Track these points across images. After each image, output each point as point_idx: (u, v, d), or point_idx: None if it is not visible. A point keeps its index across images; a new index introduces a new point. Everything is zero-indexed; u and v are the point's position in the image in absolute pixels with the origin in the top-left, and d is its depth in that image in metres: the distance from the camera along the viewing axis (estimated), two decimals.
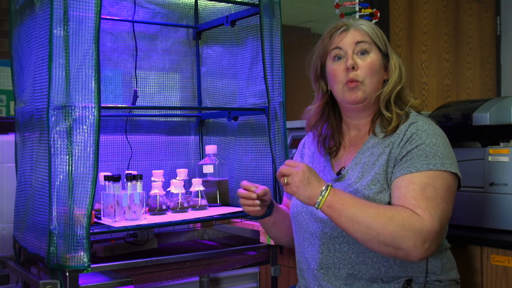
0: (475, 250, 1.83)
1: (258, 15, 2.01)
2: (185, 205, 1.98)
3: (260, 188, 1.62)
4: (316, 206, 1.42)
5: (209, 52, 2.43)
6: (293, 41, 3.44)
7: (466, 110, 2.02)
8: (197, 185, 2.04)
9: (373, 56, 1.57)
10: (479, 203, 1.93)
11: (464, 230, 1.93)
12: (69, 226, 1.56)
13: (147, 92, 2.32)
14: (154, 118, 2.35)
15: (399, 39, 3.58)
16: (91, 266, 1.58)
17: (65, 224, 1.56)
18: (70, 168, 1.57)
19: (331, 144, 1.66)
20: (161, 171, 2.02)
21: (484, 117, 1.95)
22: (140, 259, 1.74)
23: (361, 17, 2.55)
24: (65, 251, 1.56)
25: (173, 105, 2.41)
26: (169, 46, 2.39)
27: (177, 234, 2.30)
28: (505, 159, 1.88)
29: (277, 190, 2.04)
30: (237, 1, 2.13)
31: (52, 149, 1.58)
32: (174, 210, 1.96)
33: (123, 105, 2.26)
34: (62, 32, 1.58)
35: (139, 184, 1.79)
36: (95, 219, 1.78)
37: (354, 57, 1.56)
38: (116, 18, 2.22)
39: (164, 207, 1.95)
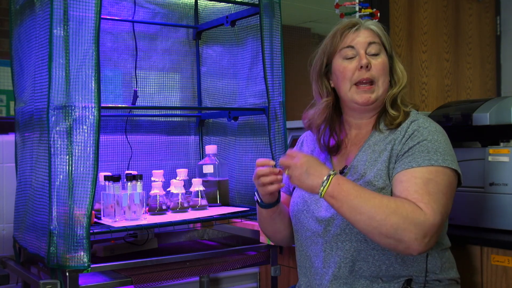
0: (475, 250, 1.83)
1: (258, 15, 2.01)
2: (185, 205, 1.98)
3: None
4: (319, 196, 1.43)
5: (209, 52, 2.43)
6: (293, 41, 3.43)
7: (466, 110, 2.02)
8: (197, 185, 2.04)
9: (383, 57, 1.59)
10: (479, 203, 1.94)
11: (464, 230, 1.93)
12: (69, 226, 1.56)
13: (147, 92, 2.32)
14: (154, 118, 2.35)
15: (399, 39, 3.58)
16: (91, 266, 1.58)
17: (65, 224, 1.56)
18: (70, 168, 1.57)
19: (331, 142, 1.66)
20: (161, 171, 2.02)
21: (484, 117, 1.95)
22: (140, 259, 1.74)
23: (361, 17, 2.55)
24: (65, 251, 1.56)
25: (173, 105, 2.41)
26: (169, 46, 2.39)
27: (177, 234, 2.30)
28: (505, 159, 1.88)
29: None
30: (237, 1, 2.13)
31: (52, 149, 1.58)
32: (174, 210, 1.96)
33: (123, 105, 2.26)
34: (62, 32, 1.58)
35: (139, 184, 1.79)
36: (95, 219, 1.78)
37: (367, 57, 1.57)
38: (116, 18, 2.22)
39: (164, 207, 1.95)
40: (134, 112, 2.28)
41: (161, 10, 2.36)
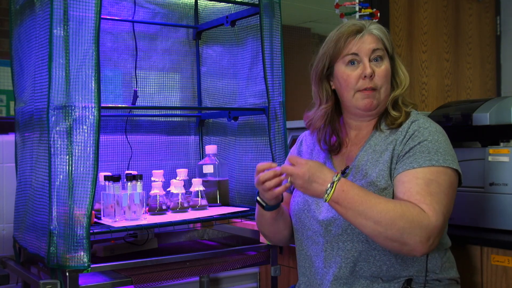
0: (475, 250, 1.83)
1: (258, 15, 2.01)
2: (185, 205, 1.98)
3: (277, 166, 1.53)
4: (323, 201, 1.43)
5: (209, 52, 2.43)
6: (293, 41, 3.43)
7: (466, 110, 2.02)
8: (197, 185, 2.04)
9: (386, 63, 1.58)
10: (479, 203, 1.94)
11: (464, 230, 1.93)
12: (69, 226, 1.56)
13: (147, 92, 2.32)
14: (154, 118, 2.35)
15: (399, 39, 3.58)
16: (91, 266, 1.58)
17: (65, 224, 1.56)
18: (70, 168, 1.57)
19: (332, 141, 1.66)
20: (161, 171, 2.02)
21: (484, 117, 1.95)
22: (140, 259, 1.74)
23: (361, 17, 2.55)
24: (65, 251, 1.56)
25: (173, 105, 2.41)
26: (169, 46, 2.39)
27: (177, 234, 2.30)
28: (505, 159, 1.88)
29: None
30: (237, 1, 2.13)
31: (52, 149, 1.58)
32: (174, 210, 1.96)
33: (123, 105, 2.26)
34: (62, 32, 1.58)
35: (139, 184, 1.79)
36: (95, 219, 1.78)
37: (371, 65, 1.56)
38: (116, 18, 2.22)
39: (164, 207, 1.95)
40: (134, 112, 2.28)
41: (161, 10, 2.36)
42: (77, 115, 1.58)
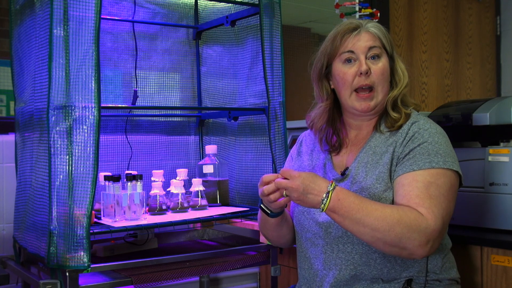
0: (475, 250, 1.83)
1: (258, 15, 2.01)
2: (185, 205, 1.98)
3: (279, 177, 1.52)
4: (320, 211, 1.43)
5: (209, 52, 2.43)
6: (293, 41, 3.43)
7: (466, 110, 2.02)
8: (197, 185, 2.04)
9: (384, 61, 1.57)
10: (479, 203, 1.93)
11: (464, 230, 1.93)
12: (69, 226, 1.56)
13: (147, 92, 2.32)
14: (154, 118, 2.35)
15: (399, 39, 3.58)
16: (91, 266, 1.58)
17: (65, 224, 1.56)
18: (70, 168, 1.57)
19: (333, 141, 1.66)
20: (161, 171, 2.02)
21: (484, 117, 1.95)
22: (140, 259, 1.74)
23: (361, 17, 2.55)
24: (65, 251, 1.56)
25: (173, 105, 2.41)
26: (169, 46, 2.39)
27: (177, 234, 2.30)
28: (505, 159, 1.88)
29: None
30: (237, 1, 2.13)
31: (52, 149, 1.58)
32: (174, 210, 1.96)
33: (123, 105, 2.26)
34: (62, 32, 1.58)
35: (139, 184, 1.79)
36: (95, 219, 1.78)
37: (367, 62, 1.55)
38: (116, 18, 2.22)
39: (164, 207, 1.95)
40: (134, 112, 2.28)
41: (161, 10, 2.35)
42: (77, 115, 1.58)
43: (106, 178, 1.78)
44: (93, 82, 1.59)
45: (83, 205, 1.56)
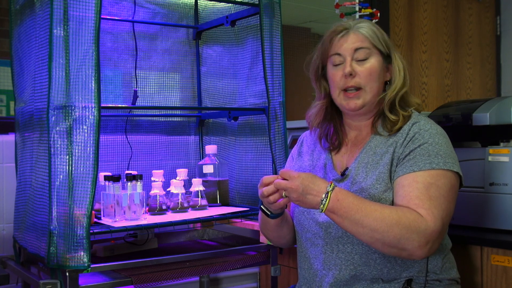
0: (475, 250, 1.83)
1: (258, 15, 2.01)
2: (185, 205, 1.98)
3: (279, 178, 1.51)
4: (319, 212, 1.43)
5: (209, 52, 2.43)
6: (293, 41, 3.44)
7: (466, 110, 2.02)
8: (197, 185, 2.04)
9: (373, 61, 1.56)
10: (479, 203, 1.93)
11: (464, 230, 1.93)
12: (69, 226, 1.56)
13: (147, 92, 2.32)
14: (154, 118, 2.35)
15: (399, 39, 3.58)
16: (91, 266, 1.58)
17: (65, 224, 1.56)
18: (70, 168, 1.57)
19: (333, 139, 1.66)
20: (161, 171, 2.02)
21: (484, 117, 1.95)
22: (140, 259, 1.74)
23: (361, 17, 2.55)
24: (65, 251, 1.56)
25: (173, 105, 2.41)
26: (169, 46, 2.39)
27: (177, 234, 2.30)
28: (505, 159, 1.88)
29: None
30: (237, 1, 2.13)
31: (52, 149, 1.58)
32: (174, 210, 1.96)
33: (123, 105, 2.26)
34: (62, 32, 1.58)
35: (139, 184, 1.79)
36: (95, 219, 1.78)
37: (353, 64, 1.55)
38: (116, 18, 2.22)
39: (164, 207, 1.95)
40: (134, 112, 2.28)
41: (161, 10, 2.35)
42: (77, 115, 1.58)
43: (106, 178, 1.78)
44: (93, 82, 1.59)
45: (83, 205, 1.56)
